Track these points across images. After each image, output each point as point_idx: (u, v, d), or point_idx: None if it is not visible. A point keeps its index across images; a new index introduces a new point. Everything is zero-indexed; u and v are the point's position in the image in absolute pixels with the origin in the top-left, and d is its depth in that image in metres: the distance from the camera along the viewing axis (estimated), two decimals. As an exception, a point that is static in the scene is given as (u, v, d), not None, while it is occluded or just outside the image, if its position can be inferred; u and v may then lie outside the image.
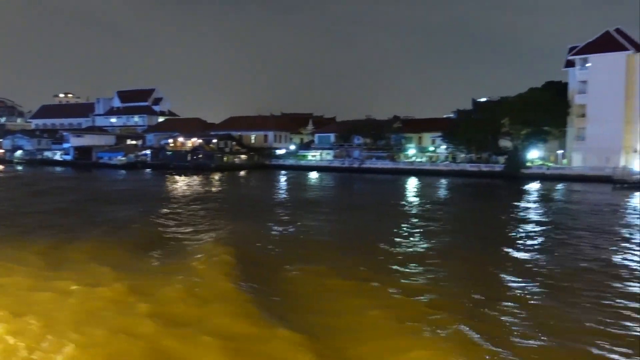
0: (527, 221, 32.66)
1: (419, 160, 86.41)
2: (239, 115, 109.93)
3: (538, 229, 29.37)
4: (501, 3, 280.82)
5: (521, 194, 53.00)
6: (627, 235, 26.96)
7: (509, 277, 18.15)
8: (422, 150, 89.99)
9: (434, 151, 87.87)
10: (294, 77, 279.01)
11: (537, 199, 48.65)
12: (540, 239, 25.91)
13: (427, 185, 61.78)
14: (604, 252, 22.60)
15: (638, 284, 17.20)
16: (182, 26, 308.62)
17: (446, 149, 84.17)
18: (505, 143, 76.91)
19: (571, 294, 16.15)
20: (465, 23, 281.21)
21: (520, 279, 17.76)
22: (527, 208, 39.78)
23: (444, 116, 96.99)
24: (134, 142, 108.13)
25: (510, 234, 27.67)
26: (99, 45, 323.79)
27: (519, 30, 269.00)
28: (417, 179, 69.68)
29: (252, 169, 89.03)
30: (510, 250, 22.88)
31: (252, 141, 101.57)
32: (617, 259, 21.29)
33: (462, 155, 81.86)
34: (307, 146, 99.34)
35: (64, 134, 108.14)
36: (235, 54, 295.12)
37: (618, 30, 69.99)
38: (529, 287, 16.83)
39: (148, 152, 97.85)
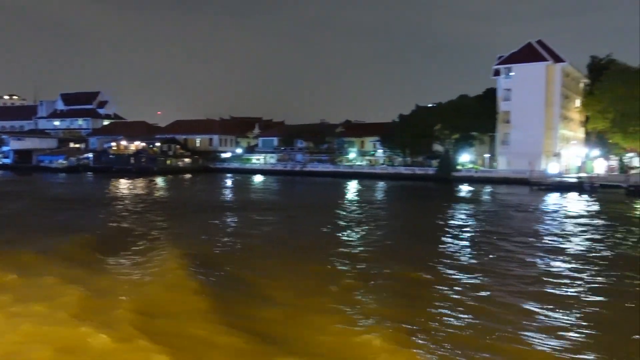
0: (450, 220, 35.48)
1: (358, 163, 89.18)
2: (187, 119, 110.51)
3: (460, 227, 32.08)
4: (460, 11, 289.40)
5: (448, 195, 56.47)
6: (539, 232, 29.84)
7: (441, 270, 20.15)
8: (363, 154, 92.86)
9: (373, 155, 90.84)
10: (249, 81, 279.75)
11: (461, 199, 52.19)
12: (462, 237, 28.29)
13: (364, 187, 64.37)
14: (517, 245, 25.32)
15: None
16: (132, 28, 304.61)
17: (384, 152, 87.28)
18: (438, 147, 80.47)
19: (491, 280, 18.44)
20: (424, 29, 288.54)
21: (450, 271, 19.83)
22: (451, 208, 42.62)
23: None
24: (77, 145, 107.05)
25: (435, 233, 29.76)
26: (44, 46, 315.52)
27: (475, 37, 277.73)
28: (356, 182, 72.31)
29: (197, 173, 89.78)
30: (437, 246, 25.12)
31: (198, 145, 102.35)
32: (528, 251, 23.95)
33: (399, 159, 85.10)
34: (252, 150, 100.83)
35: (4, 137, 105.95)
36: (188, 58, 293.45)
37: (540, 42, 74.60)
38: (463, 279, 18.65)
39: (90, 155, 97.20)
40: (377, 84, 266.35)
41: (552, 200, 50.21)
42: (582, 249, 24.64)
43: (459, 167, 75.90)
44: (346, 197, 52.44)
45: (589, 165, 79.37)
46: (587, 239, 27.33)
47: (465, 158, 78.92)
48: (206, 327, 12.88)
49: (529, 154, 69.87)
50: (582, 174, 66.16)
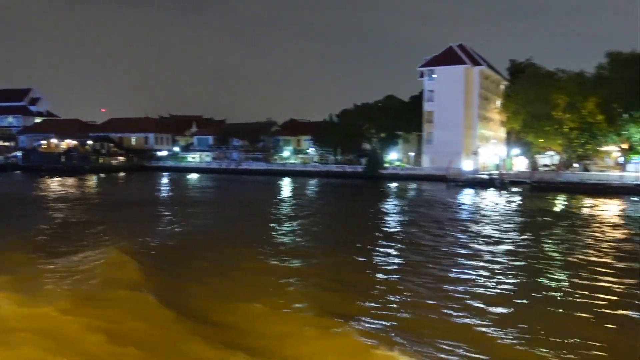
0: (369, 214, 37.93)
1: (292, 161, 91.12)
2: (131, 117, 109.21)
3: (376, 219, 34.66)
4: (409, 12, 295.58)
5: (371, 191, 59.37)
6: (441, 221, 32.83)
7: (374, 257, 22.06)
8: (299, 152, 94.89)
9: (307, 153, 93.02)
10: (196, 79, 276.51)
11: (381, 195, 54.82)
12: (379, 227, 30.69)
13: (296, 185, 66.22)
14: (432, 235, 27.68)
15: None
16: (73, 24, 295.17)
17: (316, 151, 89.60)
18: (368, 146, 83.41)
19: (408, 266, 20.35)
20: (372, 29, 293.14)
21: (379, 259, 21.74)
22: (369, 203, 45.19)
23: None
24: (5, 143, 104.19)
25: (357, 227, 31.67)
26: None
27: (422, 37, 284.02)
28: (290, 180, 74.09)
29: (131, 171, 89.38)
30: (360, 237, 26.83)
31: (133, 143, 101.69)
32: (446, 240, 26.28)
33: (332, 157, 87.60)
34: (187, 148, 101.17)
35: None
36: (132, 55, 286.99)
37: (460, 46, 78.61)
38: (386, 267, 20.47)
39: (19, 153, 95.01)
40: (325, 83, 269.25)
41: (464, 195, 53.60)
42: (477, 236, 27.26)
43: (386, 165, 78.97)
44: (275, 194, 53.92)
45: (508, 163, 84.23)
46: (484, 228, 30.24)
47: (393, 156, 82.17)
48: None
49: (450, 152, 73.49)
50: (503, 171, 70.26)
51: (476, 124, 76.51)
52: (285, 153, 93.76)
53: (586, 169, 69.61)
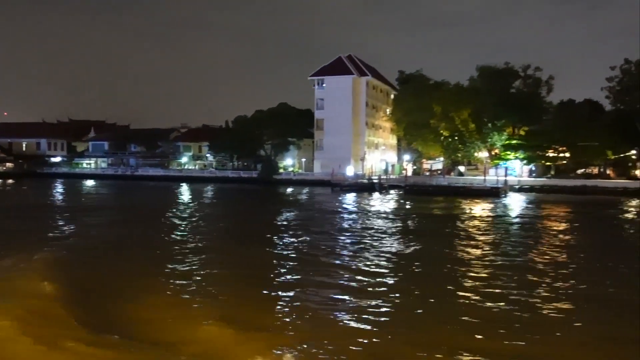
0: (259, 214, 40.06)
1: (189, 167, 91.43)
2: (31, 121, 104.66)
3: (262, 219, 36.77)
4: (335, 20, 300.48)
5: (260, 195, 61.41)
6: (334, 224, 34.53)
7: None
8: (199, 158, 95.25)
9: (206, 159, 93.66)
10: (106, 83, 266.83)
11: (269, 198, 57.25)
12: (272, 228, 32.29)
13: (192, 191, 66.30)
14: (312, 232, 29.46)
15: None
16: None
17: (214, 157, 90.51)
18: (262, 152, 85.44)
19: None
20: (296, 35, 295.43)
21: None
22: (253, 204, 47.99)
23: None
24: None
25: (245, 226, 33.40)
26: None
27: (343, 45, 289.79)
28: (187, 186, 74.31)
29: (21, 178, 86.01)
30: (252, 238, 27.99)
31: (24, 149, 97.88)
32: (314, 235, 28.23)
33: (230, 163, 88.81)
34: (81, 154, 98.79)
35: None
36: (41, 56, 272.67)
37: (349, 57, 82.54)
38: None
39: None
40: (241, 87, 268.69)
41: (345, 198, 56.39)
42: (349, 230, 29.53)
43: (281, 171, 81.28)
44: (170, 199, 53.78)
45: (397, 168, 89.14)
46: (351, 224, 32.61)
47: (289, 162, 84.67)
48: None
49: (339, 158, 76.95)
50: (383, 176, 74.27)
51: (364, 131, 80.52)
52: (184, 159, 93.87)
53: (461, 174, 75.27)
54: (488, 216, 39.41)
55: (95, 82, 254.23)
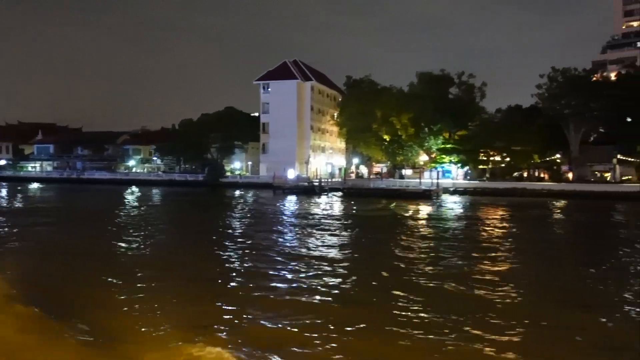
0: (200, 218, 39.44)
1: (137, 171, 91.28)
2: None
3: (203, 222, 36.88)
4: (306, 22, 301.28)
5: (207, 198, 62.19)
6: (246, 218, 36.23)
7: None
8: (146, 161, 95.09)
9: (155, 162, 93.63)
10: (71, 84, 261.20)
11: (213, 202, 57.84)
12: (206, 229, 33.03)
13: (139, 194, 66.26)
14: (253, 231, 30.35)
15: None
16: None
17: (161, 160, 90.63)
18: (209, 156, 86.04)
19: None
20: (264, 37, 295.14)
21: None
22: (198, 210, 47.81)
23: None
24: None
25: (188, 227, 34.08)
26: None
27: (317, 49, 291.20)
28: (134, 189, 74.15)
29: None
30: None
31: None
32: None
33: (178, 167, 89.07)
34: (27, 157, 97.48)
35: None
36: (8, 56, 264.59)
37: (294, 62, 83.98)
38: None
39: None
40: (203, 91, 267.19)
41: (285, 200, 57.52)
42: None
43: (227, 174, 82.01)
44: (115, 203, 53.44)
45: (343, 171, 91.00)
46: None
47: (236, 165, 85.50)
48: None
49: (284, 161, 78.10)
50: (338, 179, 75.78)
51: (309, 135, 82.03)
52: (131, 162, 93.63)
53: (402, 177, 77.58)
54: (416, 217, 41.31)
55: (51, 85, 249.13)
